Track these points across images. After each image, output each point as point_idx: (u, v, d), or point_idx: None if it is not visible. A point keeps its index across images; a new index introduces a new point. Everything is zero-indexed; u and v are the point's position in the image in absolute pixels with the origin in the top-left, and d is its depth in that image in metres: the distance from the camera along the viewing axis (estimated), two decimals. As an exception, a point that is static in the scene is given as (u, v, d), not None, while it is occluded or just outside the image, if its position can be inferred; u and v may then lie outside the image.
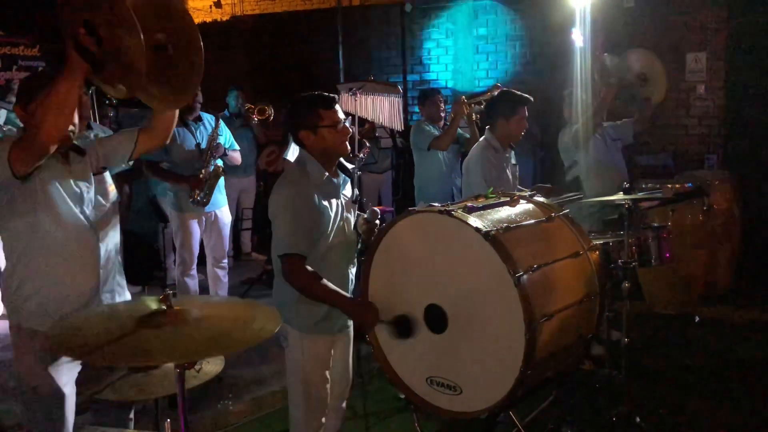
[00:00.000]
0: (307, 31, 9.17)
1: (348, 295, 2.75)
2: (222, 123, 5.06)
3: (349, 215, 2.83)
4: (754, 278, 5.71)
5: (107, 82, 2.35)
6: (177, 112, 2.73)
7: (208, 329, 1.63)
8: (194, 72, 2.40)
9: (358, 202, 2.94)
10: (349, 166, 2.95)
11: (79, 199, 2.56)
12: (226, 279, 5.33)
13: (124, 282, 2.80)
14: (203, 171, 4.78)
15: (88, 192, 2.60)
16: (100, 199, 2.64)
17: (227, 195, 5.33)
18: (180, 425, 1.64)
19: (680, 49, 7.26)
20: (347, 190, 2.87)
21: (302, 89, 2.79)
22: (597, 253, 2.90)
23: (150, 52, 2.22)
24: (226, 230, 5.22)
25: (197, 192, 4.77)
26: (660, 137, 7.57)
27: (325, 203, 2.66)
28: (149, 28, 2.23)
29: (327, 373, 2.78)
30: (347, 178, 2.85)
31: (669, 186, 4.35)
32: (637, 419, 3.29)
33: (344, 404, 2.99)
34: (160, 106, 2.57)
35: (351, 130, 2.77)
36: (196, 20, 11.02)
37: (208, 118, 5.02)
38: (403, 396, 2.96)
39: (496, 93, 5.13)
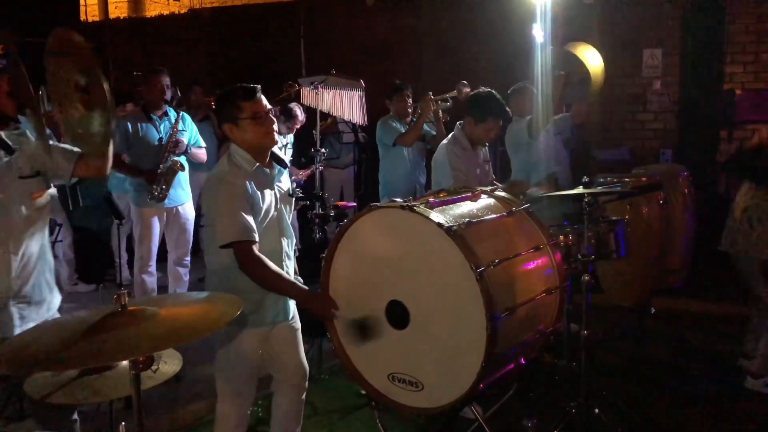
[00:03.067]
0: (268, 24, 9.06)
1: (301, 285, 2.72)
2: (188, 119, 4.99)
3: (284, 207, 2.80)
4: (708, 270, 5.87)
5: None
6: (109, 155, 2.61)
7: (165, 324, 1.58)
8: (107, 108, 2.33)
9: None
10: (284, 162, 2.93)
11: None
12: (187, 277, 5.24)
13: (53, 286, 2.69)
14: (160, 166, 4.71)
15: (5, 196, 2.46)
16: (20, 205, 2.49)
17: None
18: (135, 427, 1.59)
19: (637, 45, 7.41)
20: (283, 182, 2.84)
21: (263, 83, 2.74)
22: (557, 246, 2.93)
23: (76, 94, 2.25)
24: (189, 227, 5.13)
25: (153, 187, 4.70)
26: (617, 132, 7.72)
27: (258, 193, 2.63)
28: (69, 69, 2.26)
29: (254, 367, 2.79)
30: (282, 169, 2.82)
31: (626, 180, 4.41)
32: (596, 411, 3.34)
33: (303, 396, 2.97)
34: (86, 147, 2.51)
35: (275, 120, 2.71)
36: (153, 12, 10.87)
37: (173, 114, 4.94)
38: (364, 392, 2.95)
39: (464, 90, 5.16)
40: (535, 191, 4.04)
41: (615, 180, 4.21)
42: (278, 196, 2.75)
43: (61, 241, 4.15)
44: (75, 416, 2.70)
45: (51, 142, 2.68)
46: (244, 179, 2.60)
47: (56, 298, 2.72)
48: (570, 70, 4.55)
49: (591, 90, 4.53)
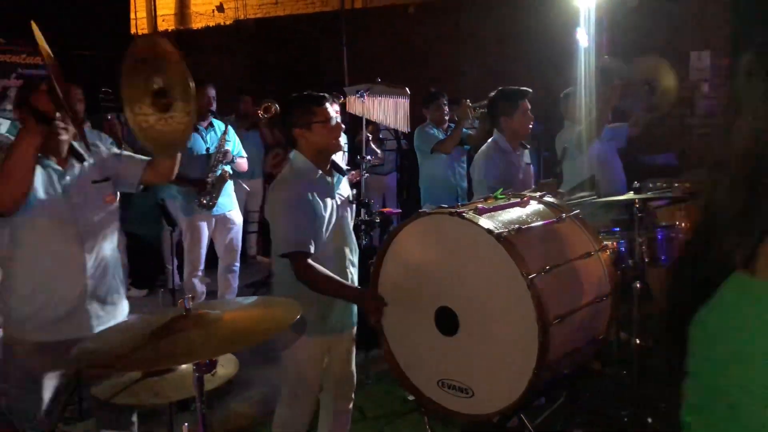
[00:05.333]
0: (311, 34, 9.19)
1: (356, 286, 2.81)
2: (231, 130, 5.13)
3: (345, 214, 2.85)
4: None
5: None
6: (178, 157, 2.70)
7: (226, 328, 1.63)
8: (188, 115, 2.39)
9: (358, 202, 2.97)
10: (345, 169, 2.99)
11: (65, 207, 2.53)
12: (236, 283, 5.35)
13: (123, 290, 2.78)
14: (210, 175, 4.82)
15: (80, 199, 2.56)
16: (94, 208, 2.60)
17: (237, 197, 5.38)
18: (199, 429, 1.64)
19: (684, 48, 7.26)
20: (343, 189, 2.88)
21: (307, 92, 2.82)
22: (608, 253, 2.89)
23: (150, 98, 2.30)
24: (237, 233, 5.27)
25: (203, 196, 4.80)
26: (664, 136, 7.56)
27: (320, 201, 2.68)
28: (146, 74, 2.29)
29: (319, 375, 2.82)
30: (341, 176, 2.87)
31: (677, 185, 4.32)
32: (649, 420, 3.28)
33: (350, 405, 3.01)
34: (161, 151, 2.57)
35: (343, 127, 2.83)
36: (199, 25, 11.12)
37: (219, 125, 5.08)
38: (412, 398, 2.95)
39: None
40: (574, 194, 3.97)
41: (665, 185, 4.13)
42: (338, 203, 2.80)
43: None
44: (134, 418, 2.78)
45: (118, 150, 2.82)
46: (307, 187, 2.66)
47: (126, 303, 2.80)
48: (627, 79, 4.48)
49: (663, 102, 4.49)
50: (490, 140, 4.02)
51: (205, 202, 4.87)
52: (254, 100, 6.98)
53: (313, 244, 2.64)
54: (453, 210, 2.63)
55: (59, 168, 2.53)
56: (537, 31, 7.36)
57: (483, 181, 3.78)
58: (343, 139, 5.26)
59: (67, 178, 2.54)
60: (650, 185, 4.26)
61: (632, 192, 3.29)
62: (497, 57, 8.01)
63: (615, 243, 3.37)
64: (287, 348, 2.77)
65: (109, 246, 2.67)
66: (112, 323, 2.63)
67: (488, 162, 3.82)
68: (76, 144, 2.61)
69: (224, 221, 5.13)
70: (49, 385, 2.56)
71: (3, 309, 2.60)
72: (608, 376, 3.68)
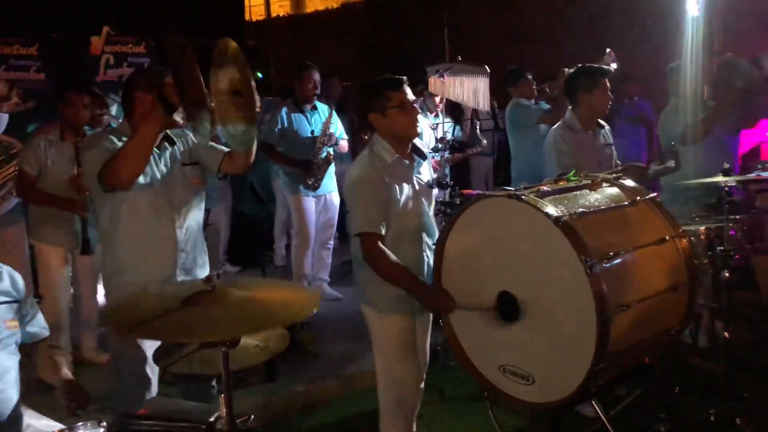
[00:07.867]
0: (414, 14, 9.17)
1: (422, 280, 2.77)
2: (334, 114, 5.24)
3: (424, 199, 2.84)
4: None
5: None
6: (252, 152, 2.77)
7: (249, 309, 1.71)
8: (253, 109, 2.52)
9: (439, 184, 2.94)
10: (426, 150, 2.96)
11: (160, 186, 2.73)
12: (329, 260, 5.53)
13: (204, 262, 2.95)
14: (316, 158, 5.00)
15: (172, 179, 2.77)
16: (182, 187, 2.79)
17: None
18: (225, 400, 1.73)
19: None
20: (423, 174, 2.87)
21: (410, 73, 2.83)
22: (686, 240, 2.69)
23: (229, 97, 2.42)
24: (334, 213, 5.44)
25: (309, 177, 5.00)
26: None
27: (396, 185, 2.69)
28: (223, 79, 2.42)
29: (410, 352, 2.83)
30: (421, 161, 2.86)
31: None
32: (738, 421, 3.05)
33: (422, 385, 3.02)
34: (236, 145, 2.68)
35: (419, 111, 2.80)
36: (310, 9, 11.39)
37: (323, 108, 5.24)
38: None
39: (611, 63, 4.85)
40: (655, 168, 3.71)
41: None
42: (417, 188, 2.81)
43: (211, 224, 4.61)
44: (213, 383, 2.94)
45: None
46: (382, 171, 2.69)
47: (204, 274, 2.92)
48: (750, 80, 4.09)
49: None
50: (560, 121, 3.85)
51: (310, 183, 5.08)
52: (341, 81, 7.04)
53: (384, 226, 2.67)
54: (512, 192, 2.56)
55: (156, 150, 2.74)
56: (645, 1, 6.90)
57: (554, 166, 3.64)
58: (428, 120, 5.25)
59: (162, 160, 2.76)
60: (759, 166, 3.91)
61: (721, 173, 3.03)
62: (603, 30, 7.61)
63: (706, 229, 3.12)
64: (372, 327, 2.85)
65: (195, 222, 2.88)
66: None
67: (558, 146, 3.68)
68: (168, 131, 2.80)
69: (325, 201, 5.33)
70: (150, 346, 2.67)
71: (107, 281, 2.85)
72: (699, 370, 3.44)
